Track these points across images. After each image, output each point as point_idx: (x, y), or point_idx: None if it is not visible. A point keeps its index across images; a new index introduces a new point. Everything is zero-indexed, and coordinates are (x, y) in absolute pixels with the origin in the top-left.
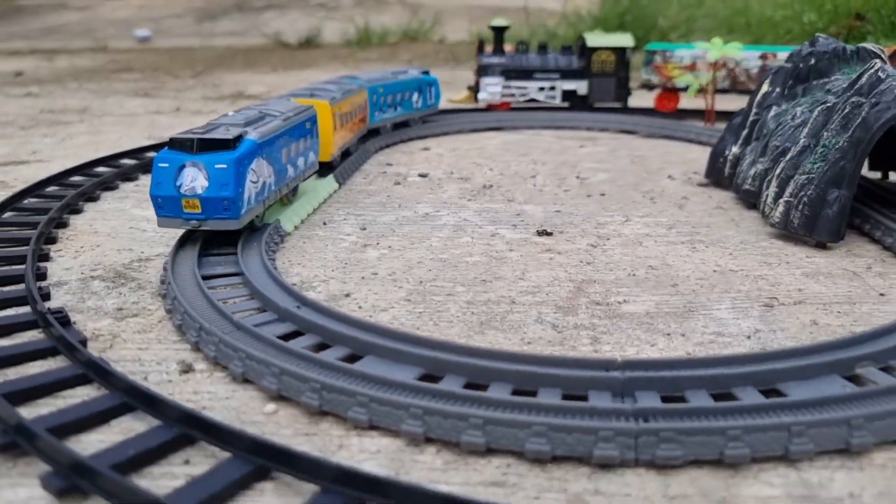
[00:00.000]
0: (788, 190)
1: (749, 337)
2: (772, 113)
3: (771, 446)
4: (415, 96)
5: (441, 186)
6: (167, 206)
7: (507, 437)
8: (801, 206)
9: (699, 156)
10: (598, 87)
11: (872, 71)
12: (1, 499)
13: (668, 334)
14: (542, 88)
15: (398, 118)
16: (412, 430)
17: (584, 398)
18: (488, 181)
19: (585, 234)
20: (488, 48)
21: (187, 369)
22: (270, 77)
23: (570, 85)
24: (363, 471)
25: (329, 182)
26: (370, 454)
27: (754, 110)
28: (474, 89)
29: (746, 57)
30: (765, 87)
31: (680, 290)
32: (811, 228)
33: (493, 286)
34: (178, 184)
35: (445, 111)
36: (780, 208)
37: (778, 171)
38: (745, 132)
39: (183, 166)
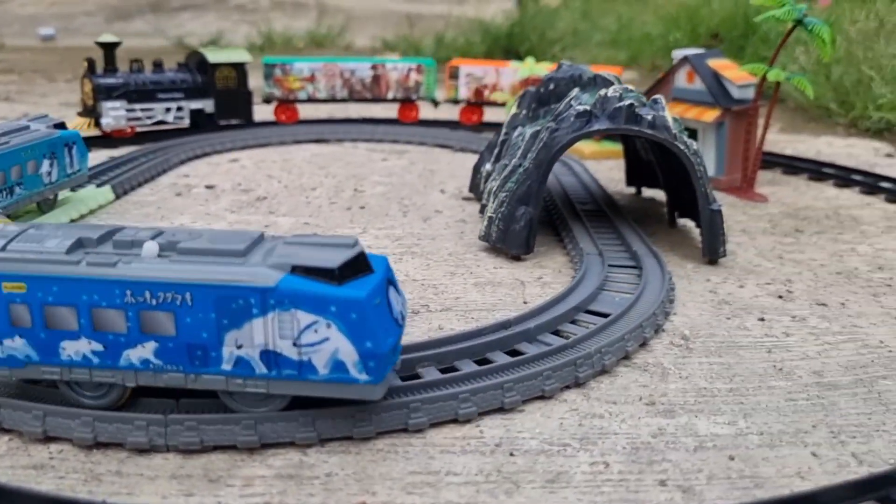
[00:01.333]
0: (493, 206)
1: None
2: (516, 133)
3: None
4: (45, 166)
5: (218, 198)
6: None
7: None
8: (497, 221)
9: None
10: (224, 105)
11: (571, 98)
12: None
13: None
14: (168, 109)
15: (15, 206)
16: None
17: None
18: (266, 193)
19: None
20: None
21: None
22: None
23: (196, 104)
24: None
25: (104, 192)
26: None
27: (504, 130)
28: (90, 114)
29: (360, 67)
30: (514, 109)
31: None
32: (504, 241)
33: None
34: None
35: (269, 123)
36: (485, 222)
37: (495, 187)
38: (496, 150)
39: None
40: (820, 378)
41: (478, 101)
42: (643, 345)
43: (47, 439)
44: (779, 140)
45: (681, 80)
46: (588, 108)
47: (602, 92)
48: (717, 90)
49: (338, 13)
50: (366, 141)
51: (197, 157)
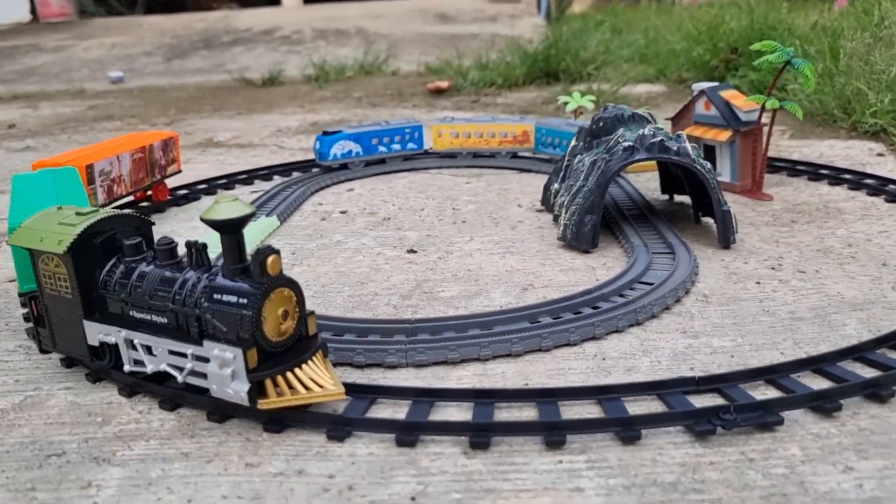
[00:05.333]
0: (566, 215)
1: (501, 306)
2: (576, 160)
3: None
4: None
5: (354, 220)
6: None
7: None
8: (570, 227)
9: None
10: None
11: (618, 136)
12: None
13: (457, 307)
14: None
15: None
16: None
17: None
18: (388, 214)
19: (439, 250)
20: None
21: None
22: (236, 122)
23: None
24: None
25: (272, 220)
26: None
27: (567, 158)
28: None
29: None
30: (573, 142)
31: (479, 283)
32: (576, 240)
33: (367, 286)
34: None
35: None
36: (561, 228)
37: (566, 202)
38: (562, 173)
39: None
40: (793, 315)
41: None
42: (677, 301)
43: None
44: (789, 146)
45: (700, 108)
46: (632, 143)
47: (641, 131)
48: (729, 115)
49: (379, 39)
50: (444, 168)
51: (321, 188)
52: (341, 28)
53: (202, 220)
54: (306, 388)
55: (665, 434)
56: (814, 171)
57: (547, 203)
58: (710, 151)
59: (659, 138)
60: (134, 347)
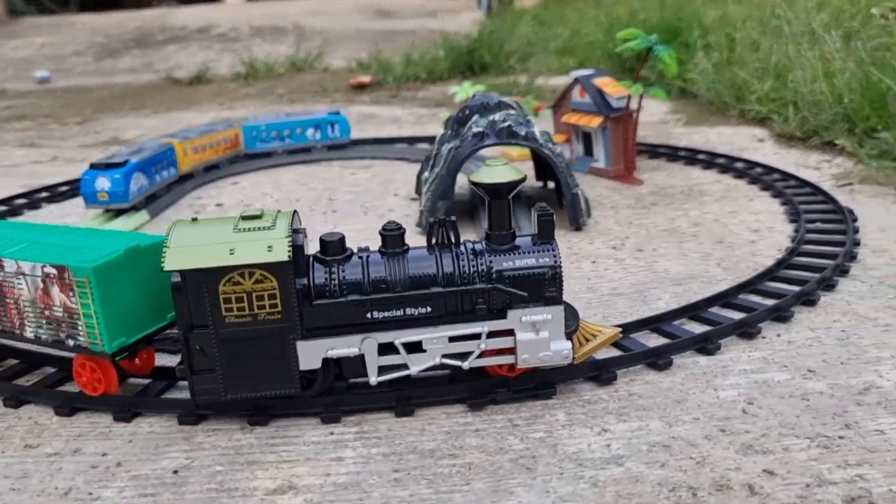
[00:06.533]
0: (423, 201)
1: None
2: (444, 148)
3: None
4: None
5: (226, 213)
6: None
7: None
8: (426, 212)
9: None
10: None
11: (471, 122)
12: None
13: None
14: None
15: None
16: None
17: None
18: (263, 206)
19: None
20: None
21: None
22: (151, 120)
23: None
24: None
25: (141, 215)
26: None
27: (436, 146)
28: None
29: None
30: (442, 130)
31: None
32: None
33: None
34: None
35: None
36: (419, 214)
37: (425, 188)
38: (431, 162)
39: None
40: (613, 291)
41: None
42: None
43: None
44: (681, 133)
45: (576, 95)
46: (482, 129)
47: (491, 117)
48: (601, 102)
49: (316, 35)
50: (335, 160)
51: (206, 182)
52: (279, 25)
53: (471, 182)
54: (593, 336)
55: (442, 406)
56: (690, 157)
57: (419, 191)
58: (588, 139)
59: (507, 123)
60: (390, 351)
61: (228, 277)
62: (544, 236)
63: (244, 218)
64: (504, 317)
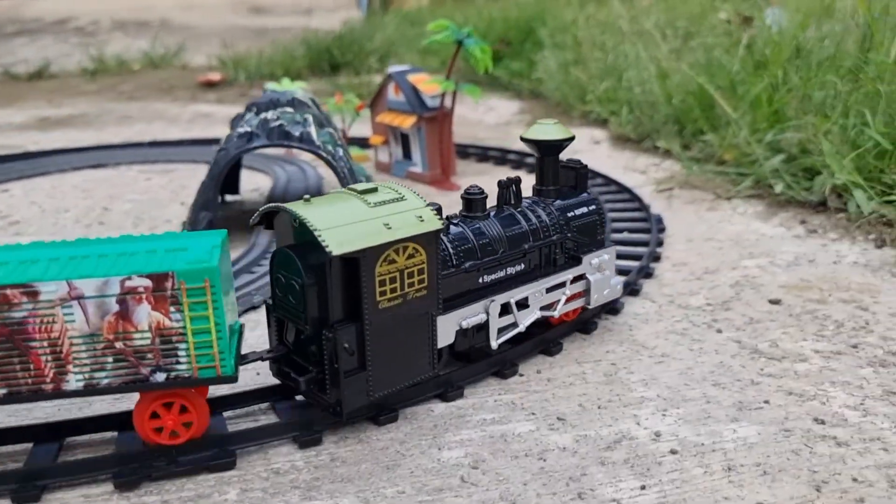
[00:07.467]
0: (189, 213)
1: None
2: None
3: None
4: None
5: None
6: None
7: None
8: (187, 224)
9: None
10: None
11: (243, 121)
12: None
13: None
14: None
15: None
16: None
17: None
18: (21, 218)
19: None
20: None
21: None
22: None
23: None
24: None
25: None
26: None
27: (223, 145)
28: None
29: None
30: (229, 130)
31: None
32: None
33: None
34: None
35: (52, 152)
36: (187, 227)
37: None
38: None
39: None
40: None
41: None
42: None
43: None
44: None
45: (391, 93)
46: (250, 129)
47: (262, 116)
48: (415, 100)
49: (183, 31)
50: (138, 163)
51: None
52: (145, 19)
53: (523, 139)
54: None
55: (82, 487)
56: (519, 160)
57: None
58: (406, 140)
59: (279, 123)
60: (506, 312)
61: (385, 256)
62: (582, 187)
63: (363, 192)
64: (579, 262)
